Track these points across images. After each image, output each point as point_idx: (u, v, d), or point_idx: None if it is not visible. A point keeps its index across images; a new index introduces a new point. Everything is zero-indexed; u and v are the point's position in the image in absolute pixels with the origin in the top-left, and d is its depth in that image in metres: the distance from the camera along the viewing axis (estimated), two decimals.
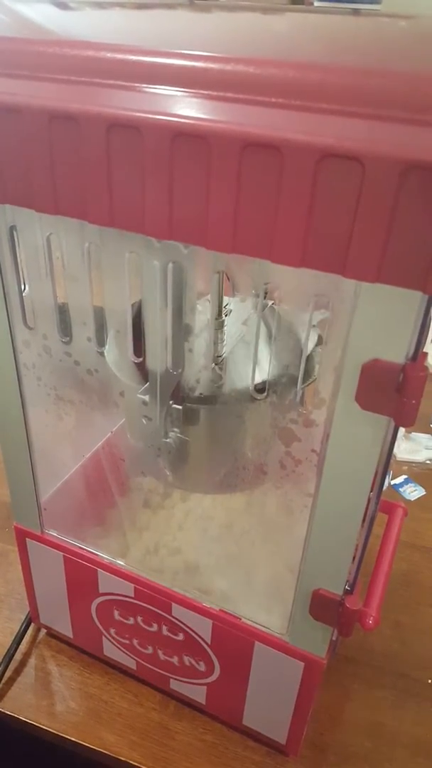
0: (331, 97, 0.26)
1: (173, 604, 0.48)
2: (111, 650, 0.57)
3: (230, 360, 0.42)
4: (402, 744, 0.54)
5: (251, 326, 0.43)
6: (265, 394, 0.41)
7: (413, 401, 0.30)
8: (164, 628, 0.51)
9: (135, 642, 0.54)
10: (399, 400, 0.30)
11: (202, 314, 0.39)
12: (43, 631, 0.62)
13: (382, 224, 0.26)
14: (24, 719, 0.55)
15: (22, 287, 0.41)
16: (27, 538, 0.53)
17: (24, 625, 0.61)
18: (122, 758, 0.52)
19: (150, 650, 0.54)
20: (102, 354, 0.43)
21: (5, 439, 0.48)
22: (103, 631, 0.55)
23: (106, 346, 0.42)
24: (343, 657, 0.60)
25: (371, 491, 0.36)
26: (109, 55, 0.29)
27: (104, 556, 0.50)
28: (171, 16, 0.39)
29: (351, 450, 0.34)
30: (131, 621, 0.52)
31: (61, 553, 0.52)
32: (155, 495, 0.60)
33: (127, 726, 0.54)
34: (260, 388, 0.41)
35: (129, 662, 0.56)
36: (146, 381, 0.42)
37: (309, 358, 0.39)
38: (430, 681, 0.58)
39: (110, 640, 0.56)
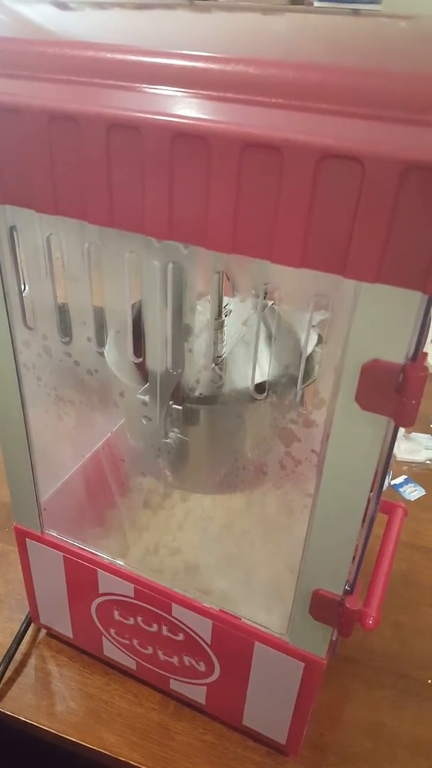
0: (331, 98, 0.26)
1: (173, 605, 0.48)
2: (111, 650, 0.57)
3: (230, 360, 0.42)
4: (402, 744, 0.54)
5: (251, 326, 0.43)
6: (265, 394, 0.41)
7: (413, 401, 0.30)
8: (164, 628, 0.51)
9: (135, 642, 0.54)
10: (399, 401, 0.30)
11: (202, 314, 0.39)
12: (43, 631, 0.62)
13: (382, 224, 0.26)
14: (24, 719, 0.55)
15: (22, 287, 0.41)
16: (27, 539, 0.53)
17: (24, 626, 0.61)
18: (122, 758, 0.52)
19: (150, 650, 0.54)
20: (102, 354, 0.43)
21: (5, 439, 0.48)
22: (103, 632, 0.55)
23: (106, 347, 0.42)
24: (343, 657, 0.60)
25: (371, 491, 0.36)
26: (109, 55, 0.29)
27: (104, 557, 0.50)
28: (171, 16, 0.39)
29: (351, 450, 0.34)
30: (131, 621, 0.52)
31: (61, 554, 0.52)
32: (155, 495, 0.60)
33: (127, 726, 0.54)
34: (260, 389, 0.41)
35: (129, 662, 0.56)
36: (146, 381, 0.42)
37: (309, 358, 0.39)
38: (430, 681, 0.58)
39: (110, 641, 0.56)
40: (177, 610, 0.49)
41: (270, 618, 0.46)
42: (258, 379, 0.41)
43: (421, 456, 0.83)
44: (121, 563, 0.50)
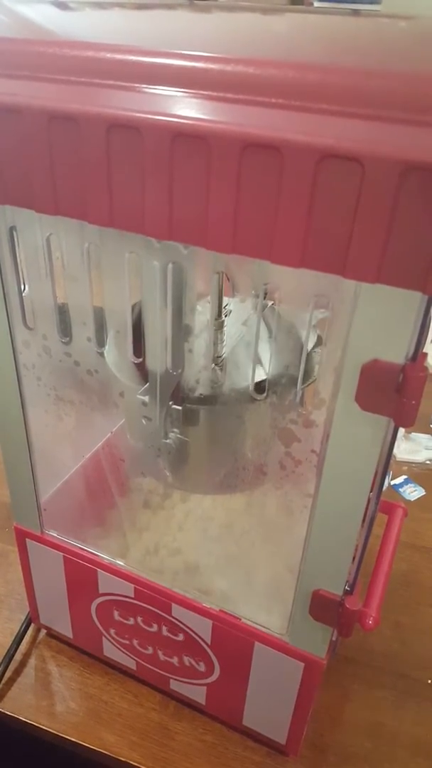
0: (331, 98, 0.26)
1: (173, 605, 0.48)
2: (111, 650, 0.57)
3: (230, 360, 0.42)
4: (402, 744, 0.54)
5: (251, 327, 0.43)
6: (265, 394, 0.41)
7: (413, 401, 0.30)
8: (164, 628, 0.51)
9: (135, 642, 0.54)
10: (399, 401, 0.30)
11: (201, 315, 0.39)
12: (43, 631, 0.62)
13: (382, 225, 0.26)
14: (24, 719, 0.55)
15: (22, 287, 0.41)
16: (27, 539, 0.53)
17: (24, 626, 0.61)
18: (122, 758, 0.52)
19: (150, 650, 0.54)
20: (102, 354, 0.43)
21: (5, 439, 0.48)
22: (103, 632, 0.55)
23: (106, 347, 0.42)
24: (343, 657, 0.60)
25: (371, 491, 0.36)
26: (108, 55, 0.29)
27: (104, 557, 0.50)
28: (171, 16, 0.39)
29: (351, 450, 0.34)
30: (131, 621, 0.52)
31: (61, 554, 0.52)
32: (155, 495, 0.60)
33: (127, 726, 0.54)
34: (260, 389, 0.41)
35: (129, 662, 0.56)
36: (146, 381, 0.42)
37: (309, 358, 0.39)
38: (430, 681, 0.58)
39: (110, 641, 0.56)
40: (177, 611, 0.49)
41: (270, 618, 0.46)
42: (258, 380, 0.41)
43: (421, 456, 0.83)
44: (121, 563, 0.50)
